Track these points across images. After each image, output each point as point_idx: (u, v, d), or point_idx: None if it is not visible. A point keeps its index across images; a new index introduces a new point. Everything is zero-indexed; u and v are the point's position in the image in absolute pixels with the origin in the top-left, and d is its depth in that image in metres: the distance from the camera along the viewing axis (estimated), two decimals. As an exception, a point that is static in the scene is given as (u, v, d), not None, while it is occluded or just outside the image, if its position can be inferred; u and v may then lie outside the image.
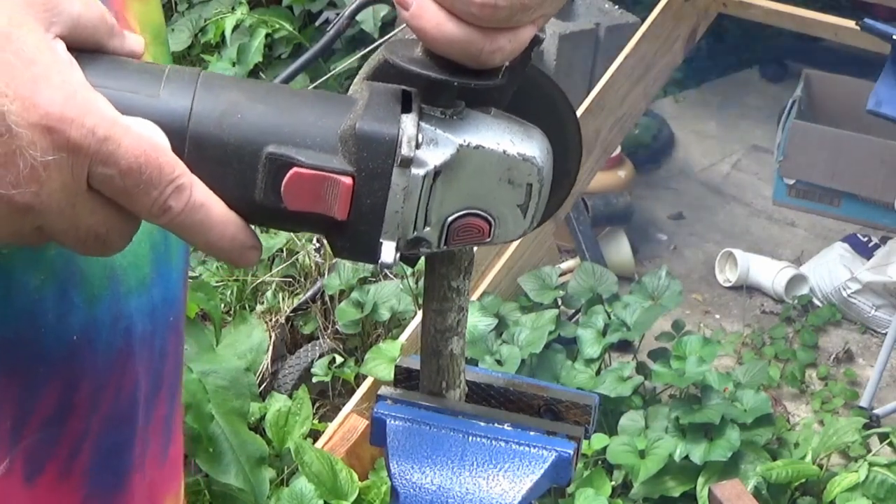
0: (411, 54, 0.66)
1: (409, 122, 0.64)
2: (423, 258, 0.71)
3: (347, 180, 0.63)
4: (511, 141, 0.66)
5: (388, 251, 0.65)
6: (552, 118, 0.70)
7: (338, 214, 0.64)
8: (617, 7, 3.83)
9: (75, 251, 0.64)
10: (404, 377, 0.79)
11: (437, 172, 0.64)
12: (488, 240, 0.68)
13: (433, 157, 0.64)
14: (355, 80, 0.69)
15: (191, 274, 2.99)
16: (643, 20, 3.42)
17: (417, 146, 0.64)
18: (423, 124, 0.64)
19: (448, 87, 0.65)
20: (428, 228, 0.66)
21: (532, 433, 0.74)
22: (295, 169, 0.63)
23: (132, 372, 0.82)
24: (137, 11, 0.84)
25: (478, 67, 0.65)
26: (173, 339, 0.88)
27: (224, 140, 0.63)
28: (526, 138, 0.67)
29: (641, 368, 2.84)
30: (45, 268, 0.75)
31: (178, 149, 0.63)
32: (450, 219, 0.66)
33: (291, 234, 3.18)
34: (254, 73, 4.19)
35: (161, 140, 0.62)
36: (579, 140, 0.72)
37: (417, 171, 0.64)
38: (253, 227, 0.66)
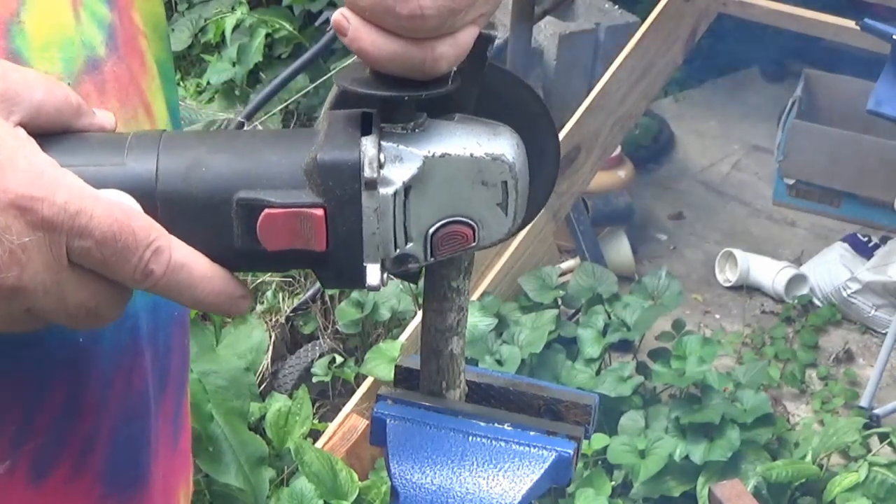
0: (362, 76, 0.66)
1: (368, 144, 0.64)
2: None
3: (319, 212, 0.64)
4: (477, 143, 0.66)
5: (374, 274, 0.65)
6: (523, 116, 0.70)
7: (316, 246, 0.64)
8: (617, 7, 3.83)
9: (70, 326, 0.65)
10: (404, 377, 0.79)
11: (406, 188, 0.65)
12: (475, 244, 0.68)
13: (399, 173, 0.64)
14: (321, 113, 0.69)
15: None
16: (643, 20, 3.42)
17: (381, 166, 0.64)
18: (384, 143, 0.65)
19: (400, 102, 0.65)
20: (411, 244, 0.66)
21: (532, 433, 0.74)
22: (266, 210, 0.64)
23: (140, 369, 0.82)
24: (141, 8, 0.84)
25: (426, 78, 0.65)
26: (178, 333, 0.88)
27: (193, 194, 0.64)
28: (492, 137, 0.67)
29: (641, 368, 2.84)
30: None
31: (150, 211, 0.63)
32: (431, 230, 0.66)
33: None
34: (254, 72, 4.19)
35: (133, 205, 0.63)
36: (554, 134, 0.73)
37: (386, 191, 0.64)
38: (240, 274, 0.67)
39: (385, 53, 0.64)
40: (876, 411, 2.96)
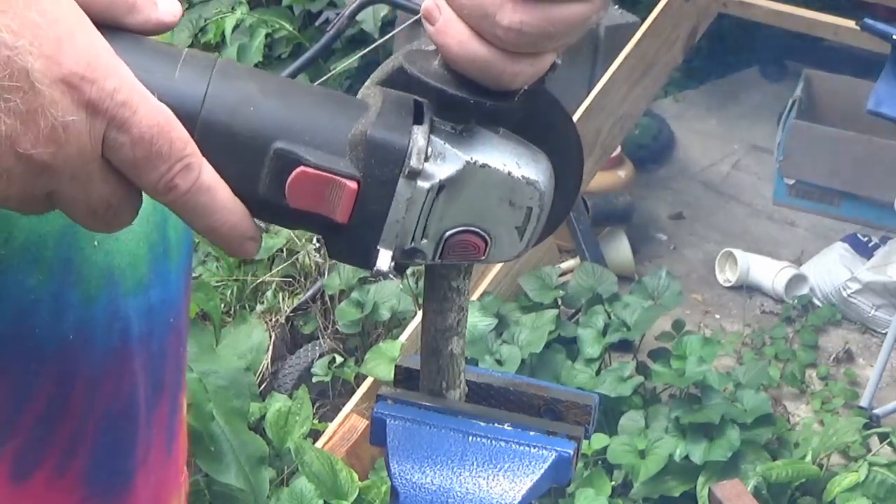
0: (429, 66, 0.66)
1: (419, 134, 0.64)
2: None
3: (353, 185, 0.63)
4: (517, 163, 0.66)
5: (384, 259, 0.65)
6: (556, 141, 0.70)
7: (339, 217, 0.64)
8: (617, 7, 3.83)
9: (83, 223, 0.63)
10: (404, 377, 0.79)
11: (441, 187, 0.65)
12: (483, 258, 0.68)
13: (440, 171, 0.64)
14: (366, 84, 0.69)
15: (191, 274, 3.00)
16: (643, 20, 3.42)
17: (426, 159, 0.64)
18: (433, 137, 0.64)
19: (463, 104, 0.65)
20: (425, 241, 0.66)
21: (532, 433, 0.74)
22: (301, 167, 0.63)
23: (130, 372, 0.81)
24: None
25: (496, 89, 0.65)
26: (173, 339, 0.87)
27: (234, 130, 0.63)
28: (531, 162, 0.67)
29: (641, 368, 2.84)
30: (42, 267, 0.75)
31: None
32: (447, 233, 0.66)
33: (291, 234, 3.18)
34: (254, 73, 4.19)
35: (174, 118, 0.62)
36: (581, 167, 0.72)
37: (423, 184, 0.64)
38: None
39: (468, 55, 0.63)
40: (876, 411, 2.96)
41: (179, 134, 0.61)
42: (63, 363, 0.77)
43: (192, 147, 0.62)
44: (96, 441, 0.80)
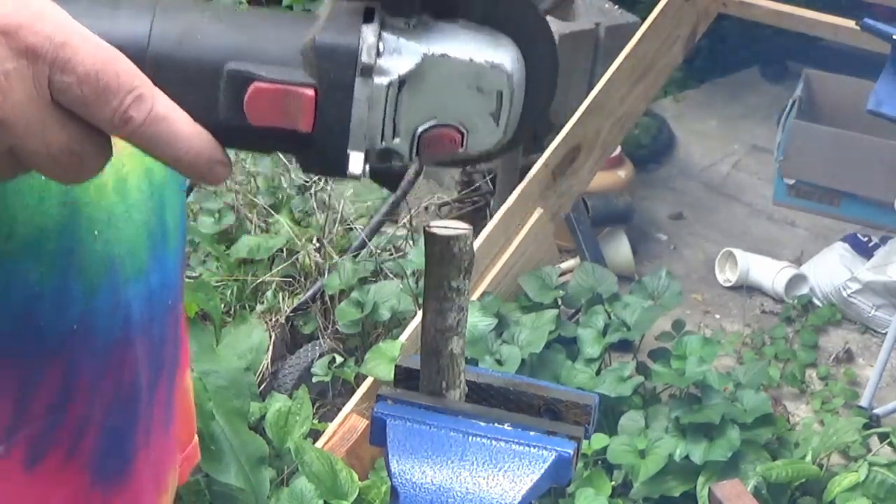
0: None
1: (369, 32, 0.64)
2: (423, 260, 0.71)
3: (309, 92, 0.63)
4: (478, 49, 0.66)
5: (356, 162, 0.65)
6: (526, 33, 0.70)
7: (303, 126, 0.64)
8: (617, 7, 3.83)
9: (52, 175, 0.63)
10: (404, 377, 0.79)
11: (402, 82, 0.65)
12: (461, 149, 0.68)
13: (397, 65, 0.64)
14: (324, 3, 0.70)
15: (191, 274, 2.99)
16: (643, 20, 3.42)
17: (378, 55, 0.64)
18: (385, 34, 0.65)
19: None
20: (398, 139, 0.66)
21: (532, 433, 0.74)
22: (255, 83, 0.63)
23: (132, 358, 0.83)
24: None
25: None
26: (172, 322, 0.89)
27: (184, 60, 0.64)
28: (494, 46, 0.67)
29: (641, 368, 2.84)
30: (45, 261, 0.75)
31: None
32: (420, 129, 0.66)
33: (291, 234, 3.18)
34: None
35: (119, 53, 0.62)
36: (555, 56, 0.72)
37: (381, 80, 0.64)
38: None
39: None
40: (876, 411, 2.96)
41: (126, 67, 0.61)
42: (68, 353, 0.78)
43: (141, 79, 0.62)
44: (101, 426, 0.82)
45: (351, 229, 3.29)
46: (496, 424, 0.74)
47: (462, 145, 0.67)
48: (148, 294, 0.83)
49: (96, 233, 0.78)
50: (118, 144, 0.70)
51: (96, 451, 0.82)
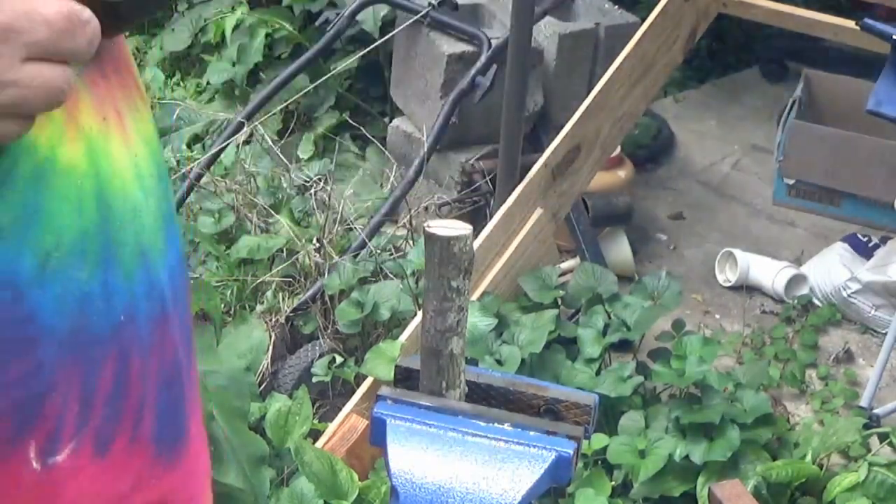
0: None
1: None
2: (423, 260, 0.71)
3: None
4: None
5: None
6: None
7: None
8: (617, 7, 3.83)
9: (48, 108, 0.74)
10: (404, 377, 0.79)
11: None
12: None
13: None
14: None
15: (191, 274, 2.99)
16: (643, 20, 3.42)
17: None
18: None
19: None
20: None
21: (532, 433, 0.74)
22: None
23: (171, 337, 0.90)
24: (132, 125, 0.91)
25: None
26: (188, 301, 0.96)
27: None
28: None
29: (641, 368, 2.83)
30: (90, 260, 0.81)
31: None
32: None
33: (291, 234, 3.18)
34: (254, 73, 4.19)
35: None
36: None
37: None
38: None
39: None
40: (876, 411, 2.96)
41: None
42: (119, 343, 0.84)
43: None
44: (155, 404, 0.89)
45: (351, 229, 3.29)
46: (496, 424, 0.74)
47: None
48: (170, 273, 0.89)
49: (126, 225, 0.84)
50: (130, 133, 0.84)
51: (155, 426, 0.89)
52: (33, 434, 0.81)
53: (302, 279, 3.13)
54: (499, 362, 2.73)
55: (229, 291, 3.09)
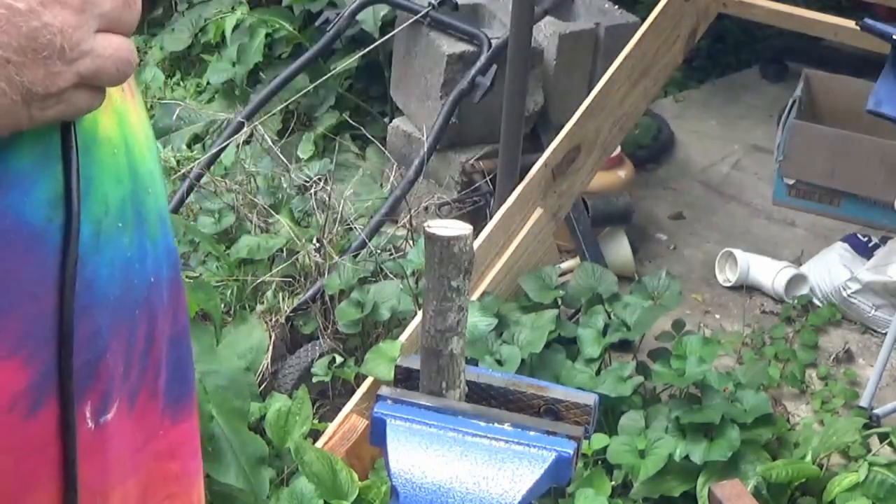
0: None
1: None
2: (423, 260, 0.71)
3: None
4: None
5: None
6: None
7: None
8: (617, 7, 3.83)
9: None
10: (404, 377, 0.79)
11: None
12: None
13: None
14: None
15: (191, 274, 2.99)
16: (643, 20, 3.42)
17: None
18: None
19: None
20: None
21: (532, 433, 0.74)
22: None
23: (183, 295, 0.95)
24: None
25: None
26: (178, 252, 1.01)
27: None
28: None
29: (641, 368, 2.83)
30: (129, 226, 0.86)
31: None
32: None
33: (291, 234, 3.18)
34: (254, 72, 4.19)
35: None
36: None
37: None
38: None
39: None
40: (876, 411, 2.96)
41: None
42: (150, 304, 0.89)
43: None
44: (170, 360, 0.94)
45: (351, 229, 3.29)
46: (496, 424, 0.74)
47: None
48: (172, 236, 0.95)
49: (149, 191, 0.90)
50: (137, 102, 0.89)
51: (168, 381, 0.94)
52: (90, 396, 0.84)
53: (302, 279, 3.13)
54: (499, 362, 2.73)
55: (229, 291, 3.09)
